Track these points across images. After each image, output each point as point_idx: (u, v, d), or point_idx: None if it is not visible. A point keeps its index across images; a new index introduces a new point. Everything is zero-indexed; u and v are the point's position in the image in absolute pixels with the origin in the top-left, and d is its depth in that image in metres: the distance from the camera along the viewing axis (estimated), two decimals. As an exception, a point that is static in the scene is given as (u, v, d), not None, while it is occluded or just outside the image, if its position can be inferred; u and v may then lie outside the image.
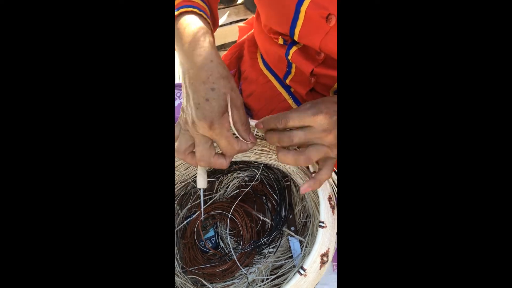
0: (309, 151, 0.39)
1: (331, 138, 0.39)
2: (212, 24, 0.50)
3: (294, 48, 0.54)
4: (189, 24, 0.42)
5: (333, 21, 0.44)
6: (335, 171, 0.49)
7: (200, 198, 0.46)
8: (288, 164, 0.41)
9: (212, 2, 0.53)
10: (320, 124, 0.38)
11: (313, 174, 0.43)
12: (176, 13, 0.44)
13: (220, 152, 0.42)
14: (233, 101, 0.38)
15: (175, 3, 0.46)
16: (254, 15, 0.66)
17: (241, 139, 0.40)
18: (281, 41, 0.55)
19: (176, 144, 0.41)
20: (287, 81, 0.64)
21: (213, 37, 0.45)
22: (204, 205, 0.62)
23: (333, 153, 0.41)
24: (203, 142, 0.39)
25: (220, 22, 1.56)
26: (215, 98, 0.37)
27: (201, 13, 0.45)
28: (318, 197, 0.43)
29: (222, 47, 1.66)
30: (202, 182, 0.44)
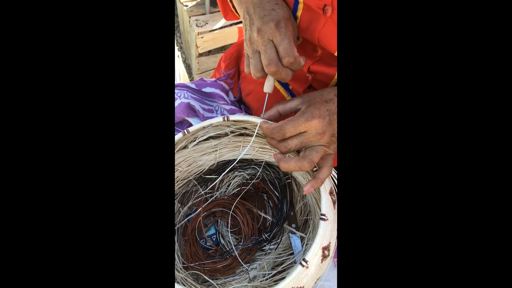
0: (310, 154, 0.41)
1: (326, 138, 0.41)
2: None
3: None
4: None
5: (329, 11, 0.44)
6: (334, 167, 0.50)
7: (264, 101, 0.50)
8: (292, 171, 0.42)
9: None
10: (314, 129, 0.41)
11: (314, 169, 0.44)
12: None
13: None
14: (293, 21, 0.44)
15: None
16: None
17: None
18: None
19: (251, 68, 0.44)
20: None
21: None
22: (205, 203, 0.62)
23: (331, 149, 0.43)
24: (269, 46, 0.41)
25: (220, 24, 1.57)
26: (280, 8, 0.42)
27: None
28: (320, 191, 0.43)
29: (222, 49, 1.67)
30: (269, 87, 0.47)
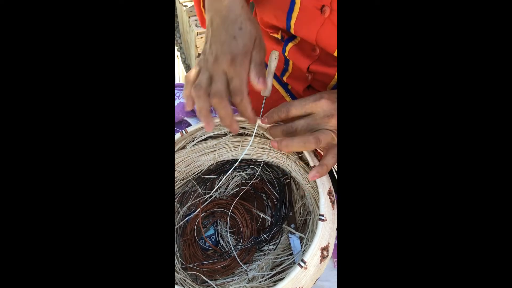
0: (317, 132, 0.39)
1: (334, 122, 0.40)
2: None
3: (290, 45, 0.54)
4: None
5: (327, 12, 0.44)
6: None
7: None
8: (295, 150, 0.40)
9: None
10: (322, 110, 0.39)
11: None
12: None
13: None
14: (258, 43, 0.41)
15: None
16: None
17: (252, 80, 0.40)
18: (278, 36, 0.55)
19: (196, 81, 0.41)
20: (284, 78, 0.64)
21: None
22: (204, 203, 0.62)
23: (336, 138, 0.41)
24: (222, 79, 0.39)
25: (220, 24, 1.56)
26: (242, 36, 0.39)
27: None
28: (318, 192, 0.43)
29: (221, 49, 1.67)
30: (267, 91, 0.44)
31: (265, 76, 0.41)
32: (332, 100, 0.39)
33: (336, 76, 0.53)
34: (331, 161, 0.41)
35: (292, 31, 0.51)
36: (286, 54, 0.56)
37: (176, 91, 0.74)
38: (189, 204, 0.63)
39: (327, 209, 0.41)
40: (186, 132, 0.52)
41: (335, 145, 0.41)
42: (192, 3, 1.67)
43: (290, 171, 0.58)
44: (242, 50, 0.38)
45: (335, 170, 0.48)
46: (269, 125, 0.44)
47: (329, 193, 0.43)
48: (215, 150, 0.60)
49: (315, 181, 0.44)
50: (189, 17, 1.60)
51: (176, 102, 0.71)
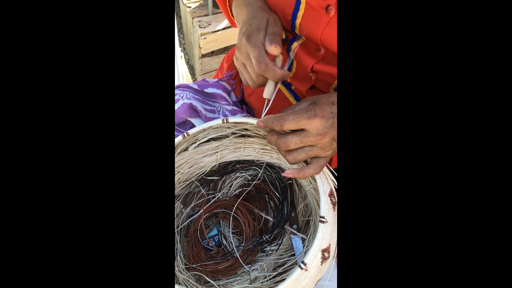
0: (297, 153, 0.42)
1: (326, 140, 0.41)
2: None
3: (295, 44, 0.55)
4: None
5: (333, 11, 0.45)
6: (332, 170, 0.50)
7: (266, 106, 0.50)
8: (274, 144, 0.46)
9: None
10: (315, 128, 0.40)
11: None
12: None
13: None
14: (272, 21, 0.47)
15: None
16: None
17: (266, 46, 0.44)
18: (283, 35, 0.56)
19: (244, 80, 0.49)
20: (288, 79, 0.64)
21: None
22: (207, 204, 0.62)
23: (326, 153, 0.43)
24: (248, 62, 0.46)
25: (223, 25, 1.57)
26: (255, 22, 0.46)
27: None
28: (319, 193, 0.43)
29: (225, 49, 1.68)
30: (268, 93, 0.48)
31: (279, 42, 0.44)
32: (326, 117, 0.40)
33: None
34: (311, 171, 0.44)
35: (297, 30, 0.51)
36: (290, 53, 0.57)
37: (179, 92, 0.74)
38: (192, 205, 0.64)
39: (328, 211, 0.41)
40: (188, 135, 0.52)
41: (324, 157, 0.43)
42: (196, 5, 1.67)
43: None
44: (255, 29, 0.45)
45: (334, 172, 0.49)
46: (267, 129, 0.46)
47: (330, 195, 0.44)
48: (218, 152, 0.60)
49: (316, 182, 0.45)
50: (193, 18, 1.61)
51: (180, 102, 0.71)
